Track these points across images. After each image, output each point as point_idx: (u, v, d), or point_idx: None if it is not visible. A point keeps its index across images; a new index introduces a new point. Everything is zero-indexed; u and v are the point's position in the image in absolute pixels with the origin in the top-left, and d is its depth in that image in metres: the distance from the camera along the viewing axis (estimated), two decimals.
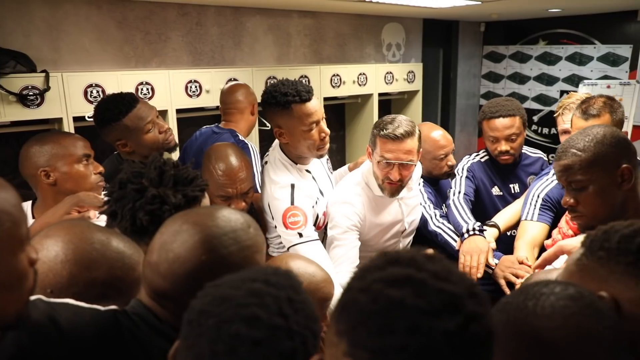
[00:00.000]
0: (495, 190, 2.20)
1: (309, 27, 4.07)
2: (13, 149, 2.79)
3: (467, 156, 2.29)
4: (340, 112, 4.43)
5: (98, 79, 2.73)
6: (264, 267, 0.73)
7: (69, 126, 2.63)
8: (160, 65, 3.29)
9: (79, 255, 0.90)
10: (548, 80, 5.18)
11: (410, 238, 2.06)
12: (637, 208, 1.23)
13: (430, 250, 0.61)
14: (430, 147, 2.08)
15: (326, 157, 2.05)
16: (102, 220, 1.31)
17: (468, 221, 1.90)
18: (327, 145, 1.82)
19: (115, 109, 1.81)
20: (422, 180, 2.14)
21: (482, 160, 2.24)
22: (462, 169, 2.19)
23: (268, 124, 3.51)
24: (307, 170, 1.86)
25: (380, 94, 4.22)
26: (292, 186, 1.73)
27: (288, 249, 1.72)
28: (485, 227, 1.89)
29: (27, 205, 1.64)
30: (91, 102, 2.70)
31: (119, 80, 2.80)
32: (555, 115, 1.97)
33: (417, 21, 4.90)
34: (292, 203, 1.70)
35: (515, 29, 5.32)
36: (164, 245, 0.82)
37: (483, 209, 2.17)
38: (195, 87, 3.10)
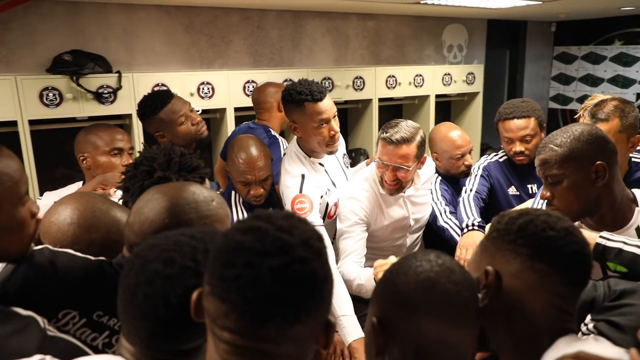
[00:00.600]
0: (512, 190, 2.18)
1: (368, 30, 4.15)
2: None
3: (486, 155, 2.29)
4: (397, 113, 4.46)
5: (164, 79, 2.99)
6: (200, 227, 0.88)
7: (137, 121, 2.89)
8: (222, 66, 3.51)
9: (82, 219, 1.10)
10: (623, 82, 4.90)
11: (419, 234, 2.12)
12: (613, 203, 1.25)
13: None
14: (447, 147, 2.13)
15: (342, 152, 2.15)
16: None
17: (470, 217, 1.92)
18: (337, 143, 1.93)
19: (152, 105, 2.01)
20: (439, 178, 2.19)
21: (500, 160, 2.24)
22: (478, 168, 2.21)
23: None
24: (320, 164, 1.99)
25: (437, 96, 4.21)
26: (303, 176, 1.88)
27: None
28: (484, 224, 1.89)
29: (79, 184, 1.90)
30: None
31: (182, 80, 3.03)
32: (576, 117, 1.91)
33: (480, 22, 4.82)
34: (301, 191, 1.84)
35: (588, 28, 5.07)
36: (139, 210, 0.99)
37: (498, 208, 2.15)
38: (253, 86, 3.28)
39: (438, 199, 2.09)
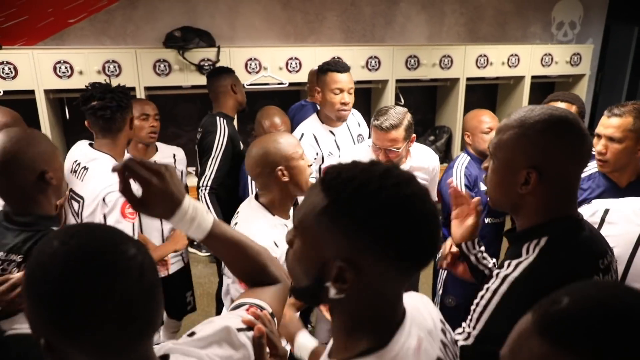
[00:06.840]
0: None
1: (466, 6, 4.09)
2: (196, 105, 3.62)
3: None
4: (490, 93, 4.37)
5: (256, 53, 3.33)
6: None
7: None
8: (315, 42, 3.77)
9: None
10: None
11: None
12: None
13: None
14: (476, 122, 2.21)
15: (358, 132, 2.43)
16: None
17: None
18: (346, 113, 2.24)
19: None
20: (467, 159, 2.20)
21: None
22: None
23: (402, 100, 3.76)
24: (332, 132, 2.30)
25: (535, 77, 4.04)
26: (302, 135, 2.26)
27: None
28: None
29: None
30: (249, 73, 3.33)
31: (272, 55, 3.36)
32: None
33: None
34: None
35: None
36: None
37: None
38: None
39: (459, 177, 2.16)
